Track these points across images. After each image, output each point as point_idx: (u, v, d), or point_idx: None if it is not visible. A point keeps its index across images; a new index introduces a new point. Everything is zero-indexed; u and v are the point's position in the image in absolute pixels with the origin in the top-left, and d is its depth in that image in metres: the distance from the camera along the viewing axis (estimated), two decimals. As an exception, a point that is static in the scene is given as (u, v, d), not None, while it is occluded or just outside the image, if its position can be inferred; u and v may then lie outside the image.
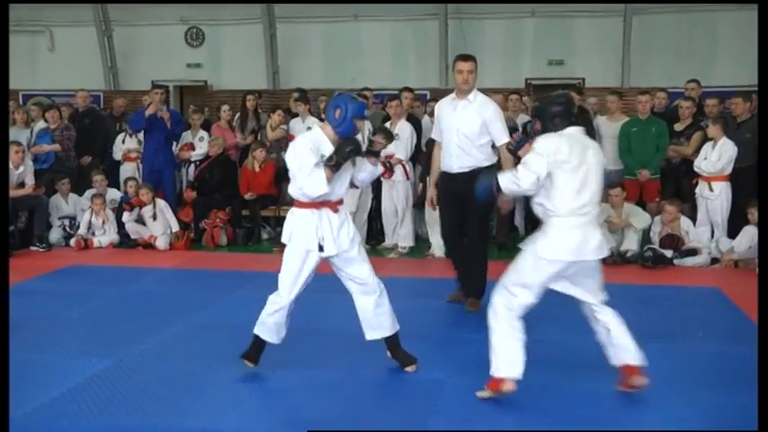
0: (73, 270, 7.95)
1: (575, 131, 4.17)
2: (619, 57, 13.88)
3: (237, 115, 10.66)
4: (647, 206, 8.81)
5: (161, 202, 9.20)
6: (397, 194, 8.83)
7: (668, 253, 8.07)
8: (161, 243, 8.98)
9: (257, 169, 9.65)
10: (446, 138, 6.09)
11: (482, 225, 6.23)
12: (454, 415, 4.16)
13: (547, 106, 4.23)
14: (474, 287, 6.23)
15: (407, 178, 8.80)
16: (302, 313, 5.84)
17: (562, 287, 4.25)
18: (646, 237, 8.48)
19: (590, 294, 4.29)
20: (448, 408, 4.25)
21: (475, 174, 5.82)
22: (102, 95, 14.80)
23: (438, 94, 11.83)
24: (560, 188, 4.07)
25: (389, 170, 8.48)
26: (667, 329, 5.73)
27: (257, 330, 4.69)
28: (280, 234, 9.24)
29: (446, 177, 6.14)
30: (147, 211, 9.12)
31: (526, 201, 8.94)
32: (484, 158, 5.97)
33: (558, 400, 4.36)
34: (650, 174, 8.78)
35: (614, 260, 8.16)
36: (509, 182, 4.16)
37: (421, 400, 4.35)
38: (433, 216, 8.43)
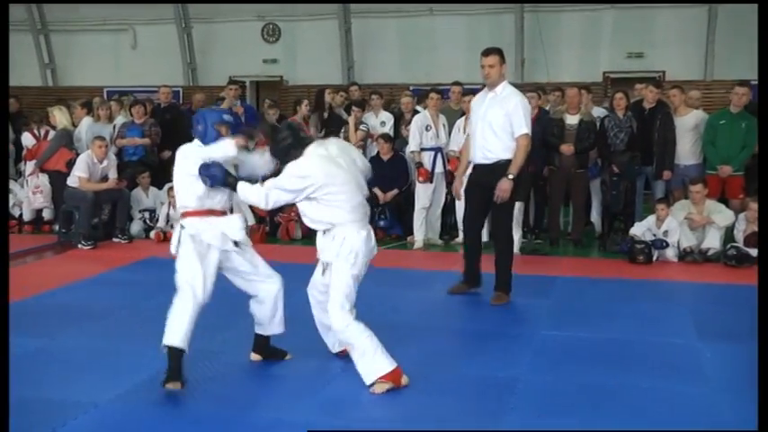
0: (152, 261, 8.15)
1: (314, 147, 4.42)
2: (701, 49, 13.47)
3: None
4: (730, 203, 8.51)
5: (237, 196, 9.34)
6: (471, 189, 8.75)
7: (753, 252, 7.78)
8: (237, 236, 9.12)
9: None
10: (474, 129, 6.20)
11: (507, 217, 6.19)
12: (529, 413, 4.10)
13: (278, 148, 4.51)
14: (500, 280, 6.23)
15: (481, 173, 8.71)
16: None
17: None
18: (729, 235, 8.21)
19: None
20: (522, 406, 4.18)
21: (497, 166, 5.95)
22: (182, 91, 15.14)
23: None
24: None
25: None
26: (751, 331, 5.52)
27: (171, 341, 4.38)
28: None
29: (473, 168, 6.23)
30: (223, 205, 9.27)
31: (604, 197, 8.83)
32: (506, 152, 5.99)
33: (635, 400, 4.25)
34: (732, 170, 8.48)
35: (694, 258, 7.93)
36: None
37: (494, 399, 4.29)
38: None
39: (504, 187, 5.94)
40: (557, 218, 8.98)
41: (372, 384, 4.29)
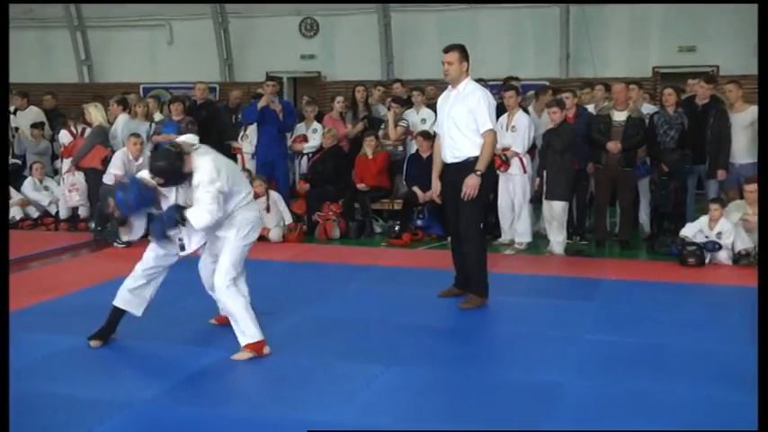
0: (186, 261, 8.24)
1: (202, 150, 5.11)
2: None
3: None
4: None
5: (274, 194, 9.42)
6: (513, 188, 8.72)
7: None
8: (274, 235, 9.20)
9: (370, 155, 9.75)
10: (441, 129, 6.22)
11: (474, 214, 6.10)
12: (571, 419, 4.06)
13: (164, 170, 4.97)
14: (472, 282, 6.17)
15: (524, 171, 8.68)
16: (385, 306, 5.90)
17: None
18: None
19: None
20: (564, 412, 4.15)
21: (466, 164, 5.96)
22: (218, 87, 15.29)
23: (558, 85, 11.62)
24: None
25: (505, 163, 8.54)
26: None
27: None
28: (391, 228, 9.45)
29: (444, 168, 6.23)
30: (260, 203, 9.35)
31: (653, 197, 8.73)
32: (474, 149, 5.98)
33: (683, 408, 4.19)
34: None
35: (750, 261, 7.78)
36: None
37: (536, 404, 4.26)
38: (551, 211, 8.32)
39: (470, 183, 5.91)
40: (603, 218, 8.90)
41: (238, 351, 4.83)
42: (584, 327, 5.70)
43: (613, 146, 8.43)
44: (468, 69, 6.09)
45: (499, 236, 9.04)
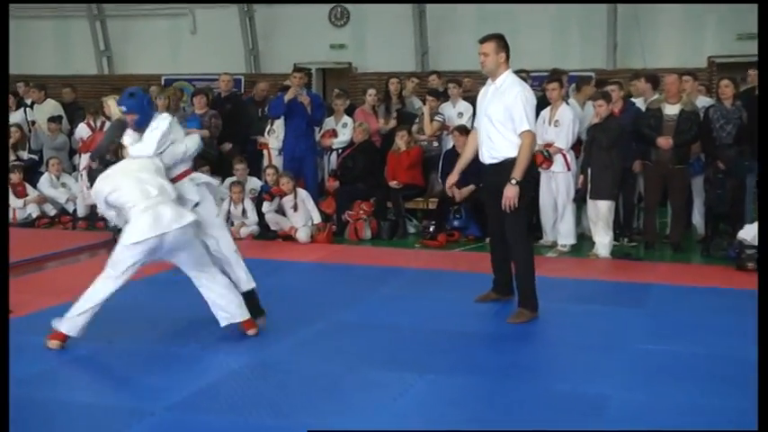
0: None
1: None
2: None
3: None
4: None
5: (302, 192, 9.46)
6: (556, 187, 8.67)
7: None
8: (302, 235, 9.24)
9: (402, 148, 9.74)
10: (479, 126, 6.12)
11: (518, 223, 5.92)
12: (620, 435, 4.03)
13: None
14: (520, 295, 6.01)
15: (568, 169, 8.63)
16: (418, 311, 5.88)
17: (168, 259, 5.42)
18: None
19: (185, 267, 5.43)
20: (610, 426, 4.11)
21: (505, 166, 5.80)
22: (243, 79, 15.38)
23: (605, 76, 11.53)
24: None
25: (548, 160, 8.49)
26: None
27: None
28: (426, 228, 9.43)
29: (482, 169, 6.14)
30: (287, 202, 9.41)
31: (708, 196, 8.62)
32: (513, 149, 5.82)
33: (738, 424, 4.13)
34: None
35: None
36: None
37: (580, 417, 4.23)
38: (596, 211, 8.27)
39: (508, 195, 5.75)
40: (653, 219, 8.81)
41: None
42: (632, 335, 5.65)
43: (664, 142, 8.34)
44: (506, 61, 5.96)
45: (541, 237, 8.99)
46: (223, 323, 5.48)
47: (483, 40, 6.02)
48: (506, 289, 6.30)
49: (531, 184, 6.11)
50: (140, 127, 5.57)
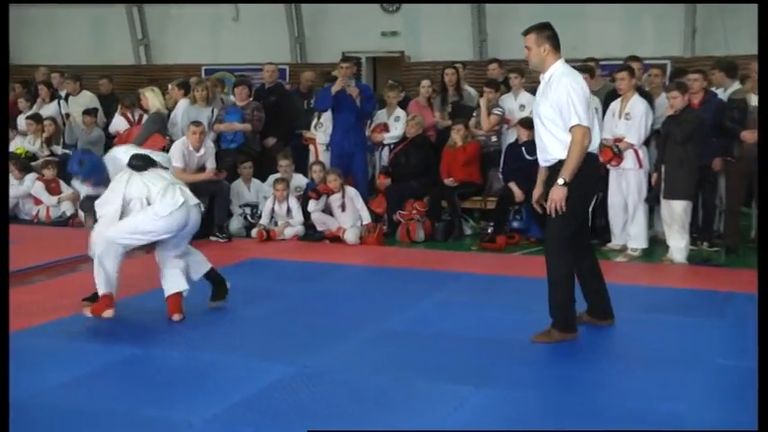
0: (253, 264, 8.41)
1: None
2: None
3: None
4: None
5: (350, 191, 9.49)
6: (627, 185, 8.59)
7: None
8: (350, 236, 9.27)
9: (459, 143, 9.71)
10: (535, 126, 5.97)
11: (560, 228, 5.64)
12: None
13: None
14: (549, 311, 5.72)
15: (640, 166, 8.53)
16: (475, 319, 5.85)
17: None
18: None
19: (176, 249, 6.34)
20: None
21: (557, 170, 5.59)
22: (288, 69, 15.48)
23: (682, 65, 11.36)
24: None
25: (617, 156, 8.41)
26: None
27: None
28: (484, 230, 9.40)
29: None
30: (334, 201, 9.45)
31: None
32: (564, 150, 5.58)
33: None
34: None
35: None
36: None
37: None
38: (671, 212, 8.16)
39: (554, 196, 5.54)
40: (735, 221, 8.67)
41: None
42: (712, 349, 5.57)
43: (750, 136, 8.19)
44: (554, 52, 5.72)
45: (609, 240, 8.90)
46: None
47: (525, 33, 5.86)
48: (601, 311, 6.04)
49: (591, 185, 5.87)
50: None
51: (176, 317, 6.16)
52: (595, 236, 9.03)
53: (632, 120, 8.46)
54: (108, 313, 6.10)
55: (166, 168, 6.49)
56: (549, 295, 5.71)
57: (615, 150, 8.45)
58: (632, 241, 8.65)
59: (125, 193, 6.13)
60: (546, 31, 5.76)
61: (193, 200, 6.34)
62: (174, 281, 6.28)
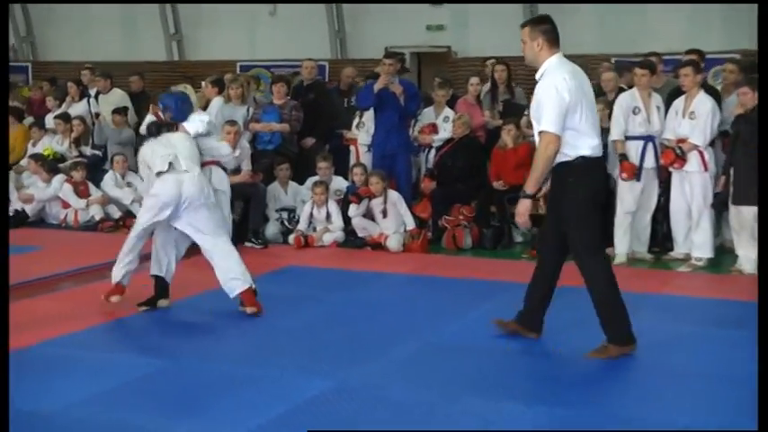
0: (290, 271, 8.44)
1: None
2: None
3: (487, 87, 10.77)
4: None
5: (393, 195, 9.48)
6: (690, 190, 8.49)
7: None
8: (393, 243, 9.27)
9: (509, 145, 9.67)
10: None
11: (577, 241, 5.64)
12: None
13: None
14: (601, 325, 5.67)
15: (705, 169, 8.43)
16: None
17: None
18: None
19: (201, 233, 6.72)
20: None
21: (557, 171, 5.60)
22: (328, 65, 15.52)
23: (754, 59, 11.19)
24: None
25: (680, 158, 8.32)
26: None
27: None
28: (536, 236, 9.33)
29: None
30: (376, 205, 9.44)
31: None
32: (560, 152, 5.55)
33: None
34: None
35: None
36: None
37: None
38: (740, 219, 8.05)
39: (519, 209, 5.64)
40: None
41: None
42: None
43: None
44: (549, 47, 5.68)
45: (671, 249, 8.81)
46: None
47: (521, 26, 5.86)
48: (532, 323, 6.00)
49: (594, 189, 5.74)
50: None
51: (250, 310, 6.62)
52: (656, 244, 8.98)
53: (697, 119, 8.36)
54: (114, 299, 6.82)
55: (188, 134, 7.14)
56: (597, 311, 5.68)
57: (678, 152, 8.36)
58: (697, 250, 8.55)
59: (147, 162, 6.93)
60: (541, 25, 5.79)
61: (194, 169, 6.80)
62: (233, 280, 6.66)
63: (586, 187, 5.62)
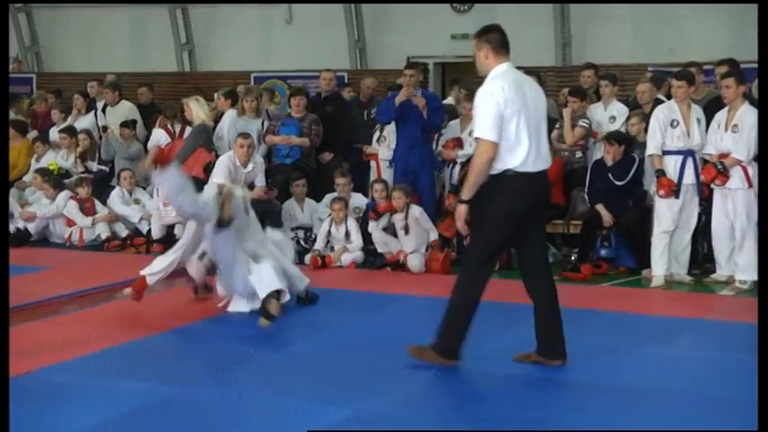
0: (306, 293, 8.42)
1: None
2: None
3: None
4: None
5: (415, 210, 9.44)
6: (733, 208, 8.45)
7: None
8: (414, 263, 9.24)
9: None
10: None
11: (478, 241, 6.00)
12: None
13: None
14: (439, 326, 5.92)
15: (749, 186, 8.38)
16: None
17: None
18: None
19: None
20: None
21: (489, 180, 5.74)
22: (347, 76, 15.54)
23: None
24: None
25: (722, 174, 8.27)
26: None
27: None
28: (567, 257, 9.30)
29: None
30: (398, 220, 9.40)
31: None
32: (496, 161, 5.69)
33: None
34: None
35: None
36: None
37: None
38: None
39: (456, 215, 5.95)
40: None
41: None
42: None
43: None
44: (493, 56, 5.96)
45: (713, 271, 8.75)
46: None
47: (475, 36, 6.16)
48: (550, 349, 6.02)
49: (510, 204, 5.80)
50: None
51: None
52: (696, 266, 8.92)
53: (740, 132, 8.32)
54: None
55: None
56: (444, 314, 5.91)
57: (719, 168, 8.31)
58: (740, 272, 8.49)
59: None
60: (487, 35, 6.06)
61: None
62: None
63: (499, 201, 5.79)
